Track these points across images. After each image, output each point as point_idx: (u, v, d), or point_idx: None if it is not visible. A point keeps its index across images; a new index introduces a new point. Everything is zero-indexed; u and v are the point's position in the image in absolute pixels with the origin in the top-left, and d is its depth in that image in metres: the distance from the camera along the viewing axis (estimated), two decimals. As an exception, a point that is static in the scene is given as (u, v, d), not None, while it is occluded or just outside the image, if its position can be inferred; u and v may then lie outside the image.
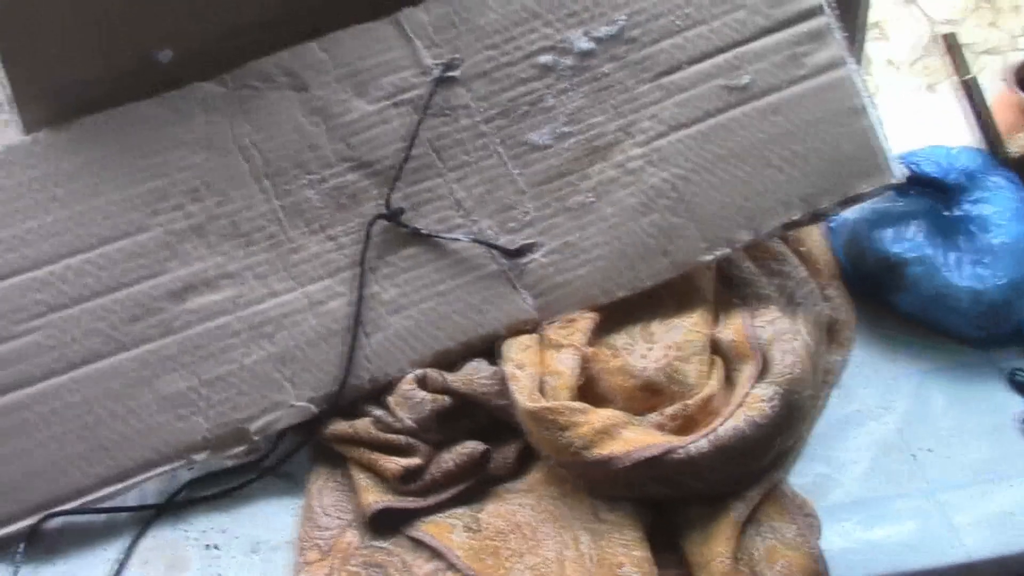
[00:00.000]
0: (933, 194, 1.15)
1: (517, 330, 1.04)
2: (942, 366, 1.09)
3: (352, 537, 0.97)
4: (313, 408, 1.03)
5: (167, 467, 1.01)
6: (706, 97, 1.05)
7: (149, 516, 1.01)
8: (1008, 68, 1.26)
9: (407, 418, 0.99)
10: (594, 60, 1.06)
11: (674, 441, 0.92)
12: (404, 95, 1.06)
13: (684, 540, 0.93)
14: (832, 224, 1.19)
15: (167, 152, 1.05)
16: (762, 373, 0.97)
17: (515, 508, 0.97)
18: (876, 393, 1.08)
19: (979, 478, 0.99)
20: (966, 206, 1.13)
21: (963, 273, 1.08)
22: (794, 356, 0.98)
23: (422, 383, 1.01)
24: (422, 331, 1.04)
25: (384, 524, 0.97)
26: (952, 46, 1.24)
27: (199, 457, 1.02)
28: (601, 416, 0.94)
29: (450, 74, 1.06)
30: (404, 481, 0.98)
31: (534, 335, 1.04)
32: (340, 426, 1.02)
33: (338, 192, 1.06)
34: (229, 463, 1.04)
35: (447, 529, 0.96)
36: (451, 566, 0.93)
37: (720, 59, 1.06)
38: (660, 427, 0.96)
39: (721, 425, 0.93)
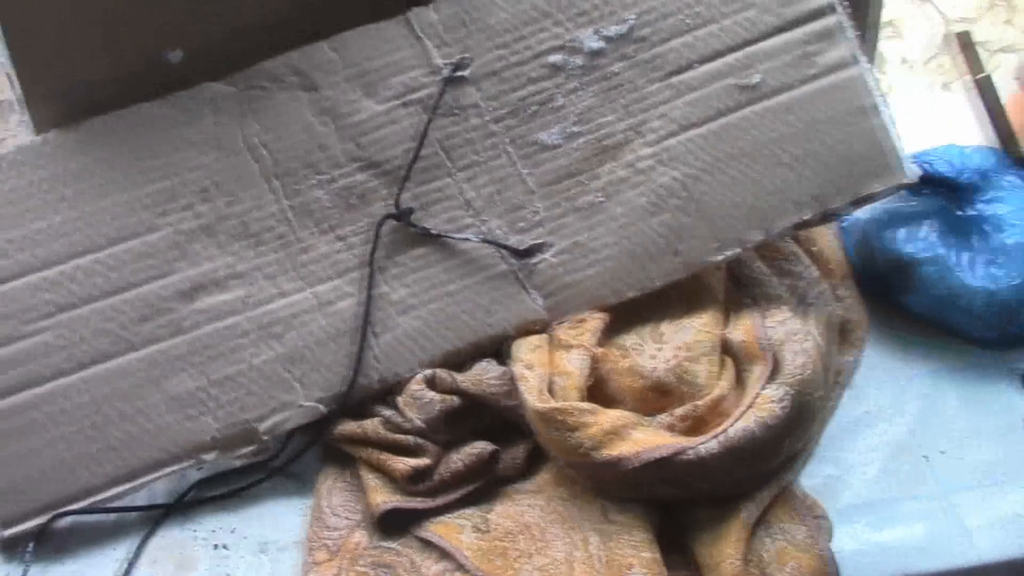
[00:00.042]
0: (946, 194, 1.14)
1: (526, 330, 1.04)
2: (954, 367, 1.09)
3: (361, 537, 0.97)
4: (322, 408, 1.03)
5: (176, 467, 1.01)
6: (716, 96, 1.05)
7: (158, 516, 1.01)
8: (1023, 67, 1.25)
9: (416, 418, 0.99)
10: (604, 59, 1.06)
11: (683, 442, 0.92)
12: (413, 95, 1.06)
13: (693, 542, 0.93)
14: (844, 224, 1.18)
15: (176, 152, 1.05)
16: (773, 374, 0.97)
17: (524, 509, 0.97)
18: (887, 394, 1.07)
19: (991, 480, 0.98)
20: (980, 206, 1.12)
21: (976, 273, 1.07)
22: (805, 357, 0.97)
23: (431, 383, 1.01)
24: (431, 331, 1.04)
25: (393, 524, 0.97)
26: (966, 44, 1.23)
27: (208, 457, 1.02)
28: (610, 417, 0.94)
29: (460, 73, 1.06)
30: (413, 481, 0.98)
31: (543, 335, 1.03)
32: (349, 426, 1.02)
33: (347, 192, 1.05)
34: (238, 463, 1.04)
35: (456, 530, 0.96)
36: (460, 567, 0.93)
37: (731, 58, 1.05)
38: (670, 428, 0.96)
39: (731, 426, 0.92)
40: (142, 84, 1.05)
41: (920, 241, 1.10)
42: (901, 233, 1.12)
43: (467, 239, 1.04)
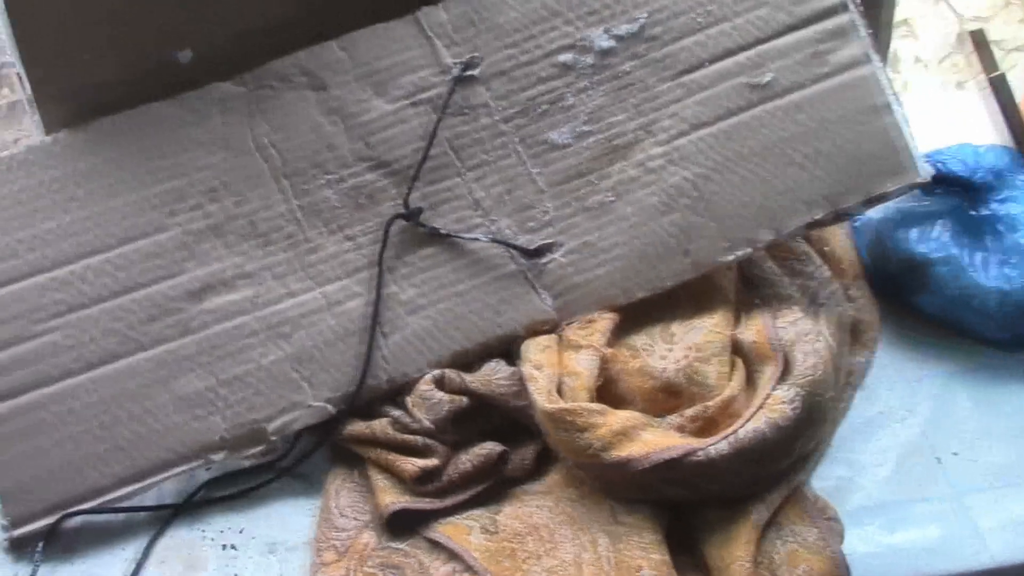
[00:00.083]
0: (959, 193, 1.13)
1: (536, 330, 1.03)
2: (967, 368, 1.08)
3: (369, 538, 0.97)
4: (330, 408, 1.02)
5: (184, 467, 1.01)
6: (728, 95, 1.04)
7: (167, 516, 1.01)
8: (1037, 65, 1.25)
9: (425, 419, 0.99)
10: (614, 58, 1.06)
11: (693, 443, 0.91)
12: (423, 94, 1.06)
13: (703, 543, 0.92)
14: (856, 223, 1.18)
15: (185, 152, 1.05)
16: (783, 375, 0.96)
17: (533, 510, 0.97)
18: (900, 395, 1.06)
19: (1004, 481, 0.98)
20: (993, 205, 1.11)
21: (990, 273, 1.07)
22: (816, 357, 0.97)
23: (440, 383, 1.01)
24: (440, 331, 1.03)
25: (401, 525, 0.97)
26: (980, 43, 1.23)
27: (216, 457, 1.02)
28: (620, 417, 0.94)
29: (469, 73, 1.06)
30: (421, 482, 0.98)
31: (553, 335, 1.03)
32: (357, 427, 1.02)
33: (356, 192, 1.05)
34: (246, 463, 1.04)
35: (464, 531, 0.96)
36: (468, 568, 0.92)
37: (742, 57, 1.05)
38: (680, 429, 0.96)
39: (741, 427, 0.92)
40: (151, 84, 1.05)
41: (933, 241, 1.10)
42: (914, 233, 1.11)
43: (476, 239, 1.04)
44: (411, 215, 1.04)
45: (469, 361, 1.03)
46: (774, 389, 0.95)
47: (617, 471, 0.92)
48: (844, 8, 1.04)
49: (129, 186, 1.04)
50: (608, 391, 0.99)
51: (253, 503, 1.02)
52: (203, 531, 1.00)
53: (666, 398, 0.98)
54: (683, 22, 1.05)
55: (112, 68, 1.05)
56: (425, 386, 1.01)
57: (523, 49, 1.06)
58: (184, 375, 1.02)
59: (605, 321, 1.02)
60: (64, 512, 0.99)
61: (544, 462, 1.01)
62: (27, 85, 1.04)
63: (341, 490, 1.01)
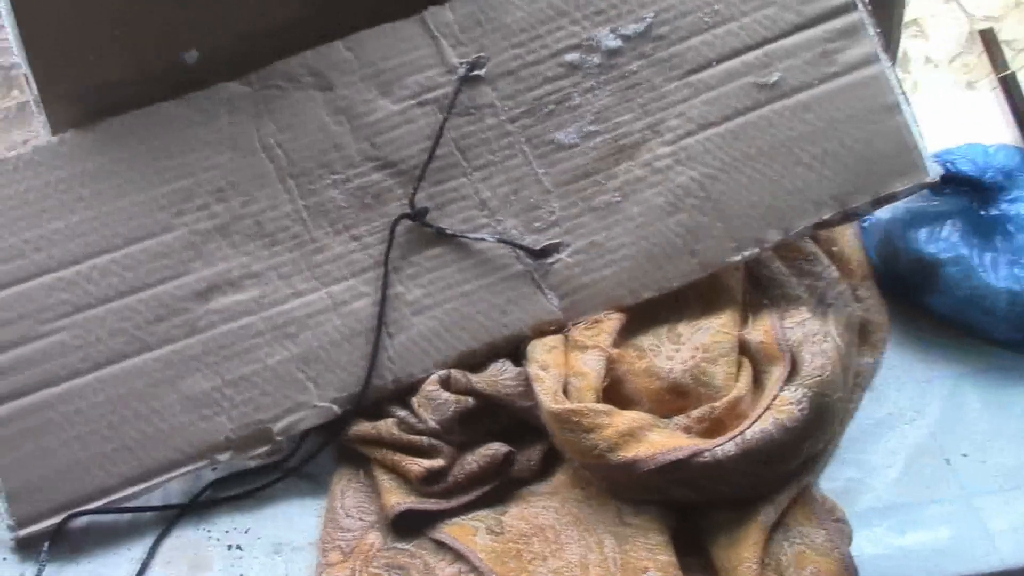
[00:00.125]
0: (969, 193, 1.12)
1: (542, 331, 1.03)
2: (977, 369, 1.07)
3: (374, 539, 0.96)
4: (336, 409, 1.02)
5: (191, 467, 1.01)
6: (735, 95, 1.04)
7: (173, 516, 1.01)
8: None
9: (430, 419, 0.99)
10: (621, 58, 1.05)
11: (700, 444, 0.91)
12: (429, 94, 1.06)
13: (710, 545, 0.92)
14: (865, 224, 1.17)
15: (192, 152, 1.05)
16: (791, 375, 0.96)
17: (539, 511, 0.97)
18: (909, 396, 1.06)
19: (1014, 483, 0.97)
20: (1003, 205, 1.11)
21: (999, 274, 1.06)
22: (824, 358, 0.96)
23: (446, 384, 1.01)
24: (446, 332, 1.03)
25: (407, 526, 0.97)
26: (991, 42, 1.22)
27: (222, 457, 1.02)
28: (626, 418, 0.93)
29: (475, 73, 1.06)
30: (427, 483, 0.97)
31: (559, 336, 1.03)
32: (363, 427, 1.02)
33: (362, 192, 1.05)
34: (252, 463, 1.04)
35: (470, 531, 0.95)
36: (474, 569, 0.92)
37: (750, 56, 1.04)
38: (686, 430, 0.95)
39: (748, 428, 0.91)
40: (158, 85, 1.06)
41: (942, 241, 1.09)
42: (923, 233, 1.10)
43: (482, 239, 1.04)
44: (417, 215, 1.04)
45: (475, 361, 1.03)
46: (781, 390, 0.94)
47: (623, 472, 0.92)
48: (853, 7, 1.04)
49: (136, 186, 1.04)
50: (615, 392, 0.99)
51: (259, 503, 1.02)
52: (209, 531, 1.00)
53: (673, 399, 0.98)
54: (690, 21, 1.05)
55: (119, 69, 1.05)
56: (431, 386, 1.00)
57: (529, 49, 1.06)
58: (190, 375, 1.02)
59: (612, 322, 1.02)
60: (70, 512, 0.99)
61: (550, 463, 1.00)
62: (34, 86, 1.05)
63: (347, 490, 1.01)
